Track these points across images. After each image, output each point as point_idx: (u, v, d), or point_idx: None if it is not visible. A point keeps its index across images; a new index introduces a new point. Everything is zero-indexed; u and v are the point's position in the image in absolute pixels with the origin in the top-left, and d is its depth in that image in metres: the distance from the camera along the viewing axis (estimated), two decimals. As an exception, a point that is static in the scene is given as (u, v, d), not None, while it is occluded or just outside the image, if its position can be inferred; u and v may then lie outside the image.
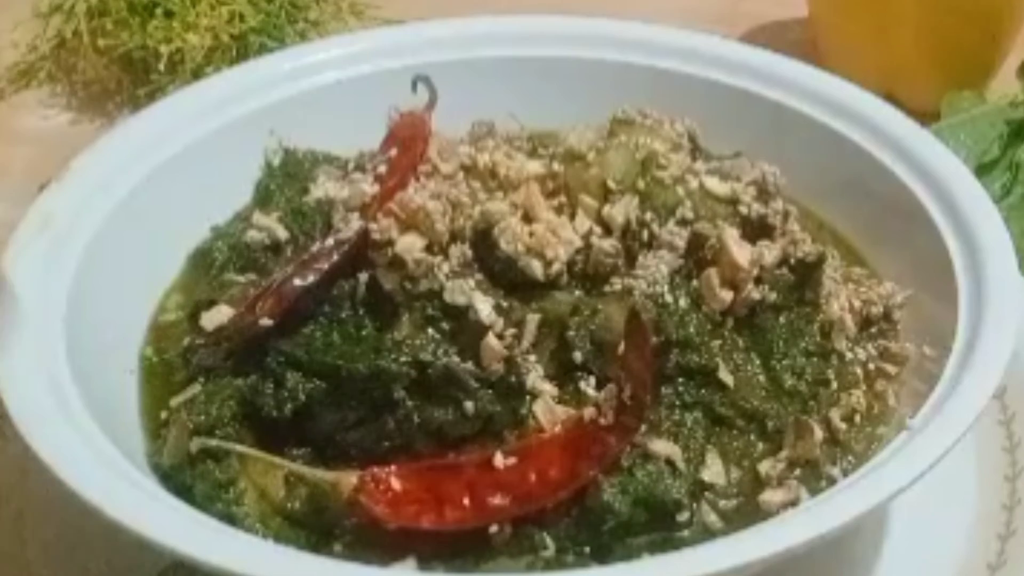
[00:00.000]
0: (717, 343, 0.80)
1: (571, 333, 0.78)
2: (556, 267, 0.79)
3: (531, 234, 0.81)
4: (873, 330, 0.87)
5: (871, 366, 0.84)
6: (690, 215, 0.82)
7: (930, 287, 0.86)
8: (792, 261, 0.83)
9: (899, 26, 0.93)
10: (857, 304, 0.87)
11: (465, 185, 0.84)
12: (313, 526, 0.76)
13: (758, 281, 0.82)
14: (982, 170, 0.93)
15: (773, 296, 0.82)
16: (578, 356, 0.78)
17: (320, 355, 0.78)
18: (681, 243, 0.81)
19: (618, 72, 1.01)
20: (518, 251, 0.79)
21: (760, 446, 0.79)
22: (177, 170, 0.96)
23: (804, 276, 0.84)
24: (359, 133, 0.95)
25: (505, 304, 0.79)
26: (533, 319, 0.79)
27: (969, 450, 0.86)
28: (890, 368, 0.84)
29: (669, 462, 0.76)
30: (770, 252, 0.82)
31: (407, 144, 0.87)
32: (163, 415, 0.80)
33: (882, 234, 0.92)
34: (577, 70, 1.02)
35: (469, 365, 0.78)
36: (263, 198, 0.96)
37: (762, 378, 0.82)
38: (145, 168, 0.94)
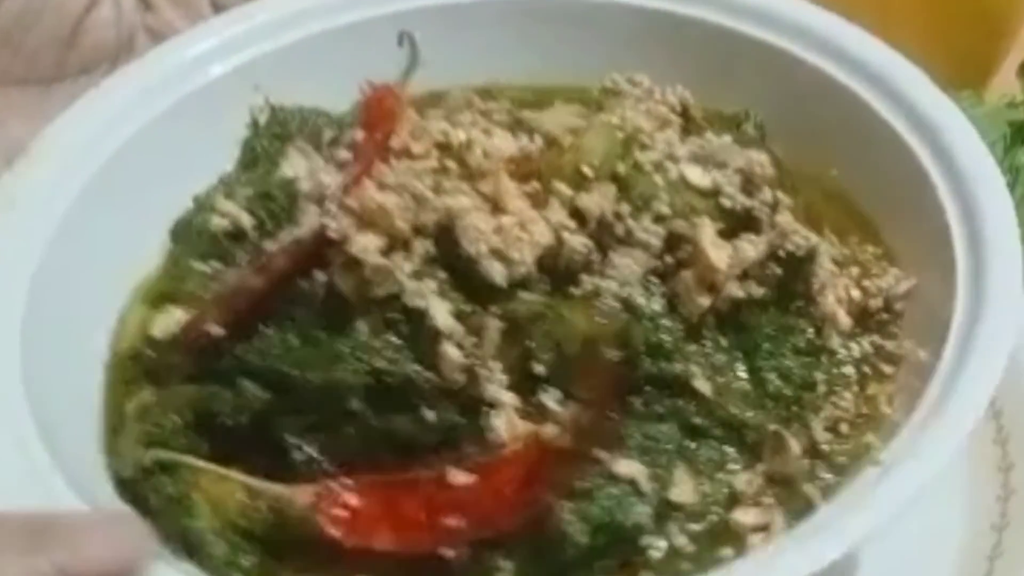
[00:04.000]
0: (693, 348, 0.76)
1: (532, 343, 0.74)
2: (521, 269, 0.75)
3: (497, 230, 0.76)
4: (871, 323, 0.81)
5: (865, 367, 0.79)
6: (666, 210, 0.76)
7: (931, 276, 0.79)
8: (781, 254, 0.78)
9: (899, 26, 0.87)
10: (856, 295, 0.81)
11: (433, 172, 0.79)
12: (269, 542, 0.74)
13: (744, 277, 0.77)
14: None
15: (760, 292, 0.77)
16: (540, 368, 0.73)
17: (275, 362, 0.75)
18: (656, 242, 0.76)
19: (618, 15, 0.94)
20: (480, 252, 0.75)
21: (738, 458, 0.75)
22: (156, 138, 0.92)
23: (793, 270, 0.78)
24: (350, 85, 0.90)
25: (466, 309, 0.75)
26: (495, 326, 0.74)
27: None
28: (886, 368, 0.79)
29: (633, 484, 0.72)
30: (755, 248, 0.77)
31: (373, 125, 0.82)
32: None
33: (890, 206, 0.86)
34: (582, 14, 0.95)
35: (430, 373, 0.74)
36: (249, 160, 0.92)
37: (745, 383, 0.77)
38: (119, 139, 0.90)
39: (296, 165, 0.84)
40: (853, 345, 0.80)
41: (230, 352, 0.76)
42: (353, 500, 0.72)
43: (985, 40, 0.97)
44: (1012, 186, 0.89)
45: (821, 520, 0.68)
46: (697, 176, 0.78)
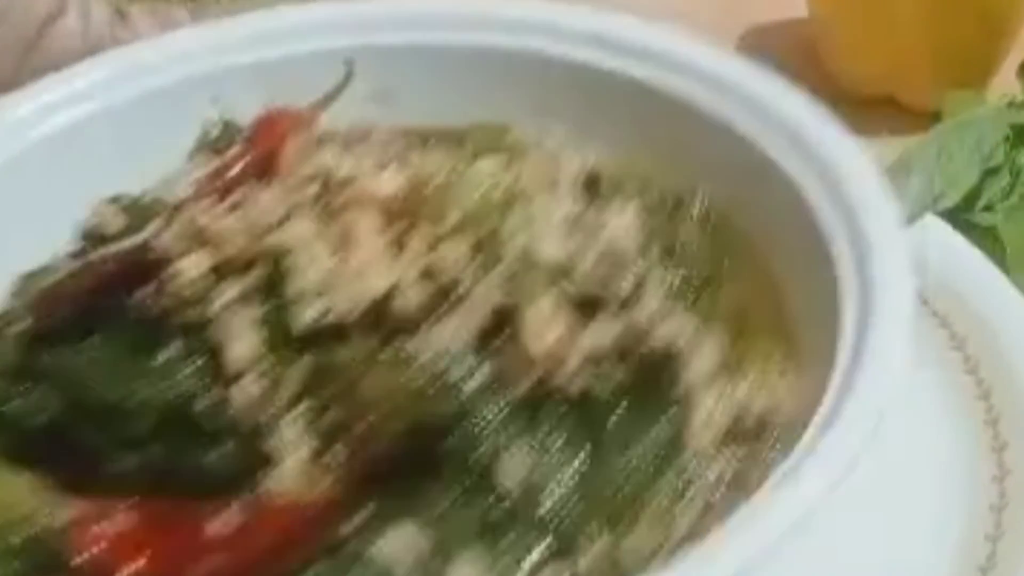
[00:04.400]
0: (510, 432, 0.67)
1: (329, 397, 0.67)
2: (332, 317, 0.68)
3: (332, 271, 0.70)
4: (741, 444, 0.71)
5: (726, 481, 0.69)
6: (503, 274, 0.69)
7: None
8: (643, 349, 0.69)
9: (899, 25, 0.92)
10: (737, 401, 0.71)
11: (299, 201, 0.74)
12: (30, 557, 0.70)
13: (596, 364, 0.68)
14: (988, 175, 0.89)
15: (609, 387, 0.68)
16: (329, 426, 0.67)
17: (77, 373, 0.71)
18: (486, 309, 0.68)
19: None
20: (297, 290, 0.69)
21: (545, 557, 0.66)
22: (105, 128, 0.90)
23: (651, 369, 0.69)
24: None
25: (272, 349, 0.69)
26: (296, 373, 0.68)
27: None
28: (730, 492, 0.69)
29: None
30: (599, 336, 0.68)
31: (253, 143, 0.77)
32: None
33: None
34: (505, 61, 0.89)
35: (223, 412, 0.68)
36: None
37: (572, 483, 0.68)
38: (56, 125, 0.89)
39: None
40: (721, 455, 0.70)
41: (42, 352, 0.72)
42: (113, 527, 0.67)
43: (985, 40, 0.96)
44: (1011, 187, 0.88)
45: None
46: (552, 243, 0.69)
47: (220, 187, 0.75)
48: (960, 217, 0.71)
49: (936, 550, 0.73)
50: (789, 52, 0.95)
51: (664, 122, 0.84)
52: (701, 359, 0.70)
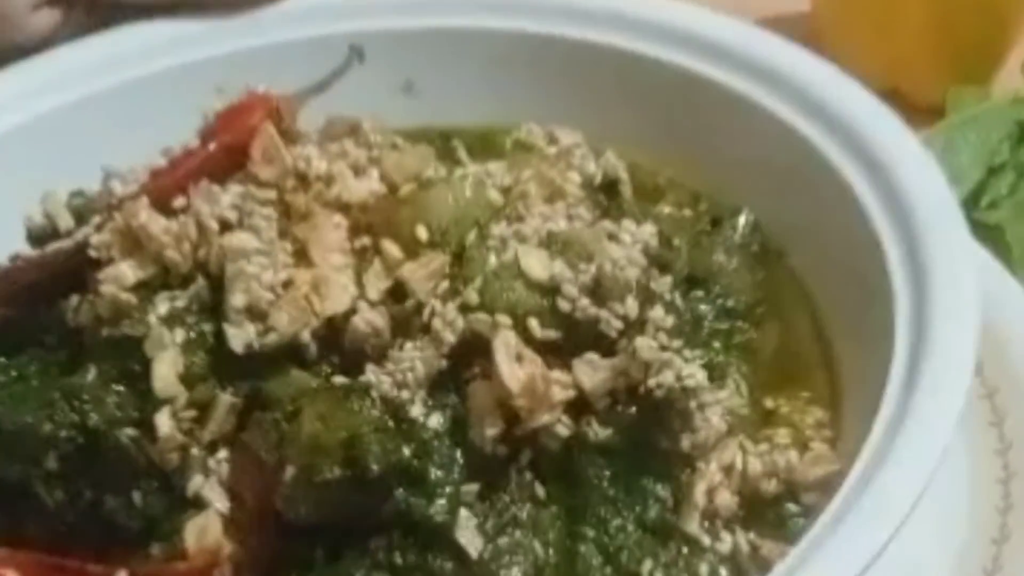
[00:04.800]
0: (473, 488, 0.56)
1: (264, 435, 0.57)
2: (271, 340, 0.58)
3: (282, 286, 0.60)
4: (759, 510, 0.58)
5: (723, 571, 0.57)
6: (474, 299, 0.57)
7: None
8: (641, 390, 0.57)
9: (904, 19, 0.90)
10: (754, 467, 0.59)
11: (262, 203, 0.64)
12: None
13: (582, 411, 0.57)
14: (993, 172, 0.88)
15: (603, 435, 0.57)
16: (252, 469, 0.56)
17: (-6, 391, 0.62)
18: (450, 338, 0.57)
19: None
20: (234, 306, 0.59)
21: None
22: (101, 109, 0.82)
23: (652, 416, 0.57)
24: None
25: (205, 374, 0.59)
26: (225, 402, 0.58)
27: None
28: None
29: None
30: (592, 375, 0.56)
31: (215, 135, 0.67)
32: None
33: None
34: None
35: (145, 445, 0.59)
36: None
37: (545, 550, 0.56)
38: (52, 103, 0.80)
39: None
40: (725, 536, 0.57)
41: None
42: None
43: (990, 36, 0.95)
44: (1016, 184, 0.86)
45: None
46: (534, 264, 0.58)
47: (170, 184, 0.65)
48: (965, 214, 0.63)
49: (941, 553, 0.63)
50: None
51: (704, 113, 0.73)
52: (714, 410, 0.58)
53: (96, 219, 0.64)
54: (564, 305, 0.57)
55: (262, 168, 0.66)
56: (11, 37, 0.83)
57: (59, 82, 0.81)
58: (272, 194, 0.64)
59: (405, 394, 0.56)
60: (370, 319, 0.58)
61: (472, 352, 0.57)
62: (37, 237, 0.69)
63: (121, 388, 0.60)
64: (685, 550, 0.57)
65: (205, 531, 0.56)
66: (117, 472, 0.59)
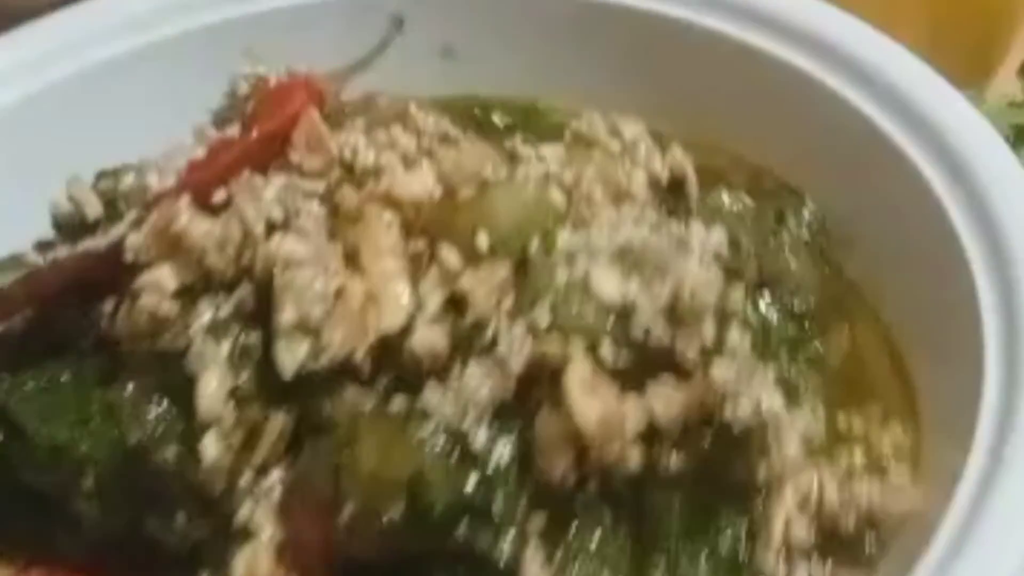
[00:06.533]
0: (539, 523, 0.53)
1: (317, 462, 0.54)
2: (324, 360, 0.54)
3: (334, 296, 0.56)
4: (837, 543, 0.56)
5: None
6: (544, 320, 0.54)
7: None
8: (715, 423, 0.53)
9: (900, 22, 0.83)
10: (831, 498, 0.56)
11: (309, 198, 0.60)
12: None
13: (653, 440, 0.54)
14: None
15: (674, 467, 0.54)
16: (303, 497, 0.53)
17: (11, 401, 0.58)
18: (519, 362, 0.53)
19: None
20: (283, 322, 0.55)
21: None
22: (116, 79, 0.77)
23: (728, 448, 0.54)
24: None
25: (251, 394, 0.55)
26: (276, 423, 0.55)
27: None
28: (829, 618, 0.54)
29: None
30: (666, 404, 0.53)
31: (258, 122, 0.63)
32: None
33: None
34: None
35: (188, 467, 0.55)
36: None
37: (618, 586, 0.54)
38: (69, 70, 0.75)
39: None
40: (800, 567, 0.55)
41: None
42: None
43: (986, 40, 0.95)
44: None
45: None
46: (607, 285, 0.54)
47: (209, 177, 0.60)
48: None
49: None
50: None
51: (772, 94, 0.69)
52: (790, 437, 0.55)
53: (131, 215, 0.60)
54: (638, 332, 0.53)
55: (306, 158, 0.62)
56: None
57: (68, 49, 0.76)
58: (319, 186, 0.61)
59: (468, 422, 0.53)
60: (429, 339, 0.55)
61: (537, 376, 0.53)
62: (64, 225, 0.65)
63: (162, 403, 0.56)
64: (765, 585, 0.54)
65: (255, 562, 0.53)
66: (158, 492, 0.56)
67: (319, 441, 0.54)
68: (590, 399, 0.51)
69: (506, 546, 0.52)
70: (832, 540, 0.55)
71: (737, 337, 0.54)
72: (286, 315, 0.55)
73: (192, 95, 0.73)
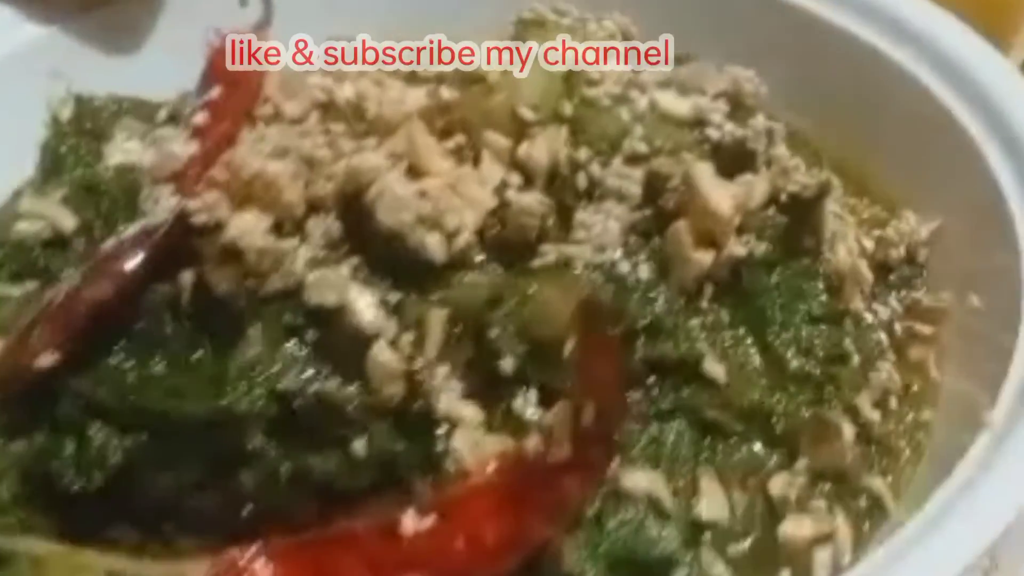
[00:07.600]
0: (696, 322, 0.58)
1: (494, 332, 0.55)
2: (462, 240, 0.56)
3: (422, 194, 0.57)
4: (894, 278, 0.65)
5: (898, 327, 0.63)
6: (642, 148, 0.59)
7: (966, 215, 0.64)
8: (783, 198, 0.61)
9: None
10: (869, 245, 0.65)
11: (322, 132, 0.60)
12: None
13: (740, 231, 0.60)
14: None
15: (762, 248, 0.60)
16: (508, 364, 0.54)
17: (135, 396, 0.55)
18: (635, 189, 0.58)
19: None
20: (403, 222, 0.55)
21: (769, 456, 0.57)
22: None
23: (800, 217, 0.61)
24: (177, 69, 0.69)
25: (396, 298, 0.55)
26: (438, 316, 0.55)
27: None
28: (924, 328, 0.63)
29: (651, 501, 0.53)
30: (757, 188, 0.59)
31: (234, 80, 0.63)
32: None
33: (895, 153, 0.70)
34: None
35: (354, 389, 0.54)
36: (53, 167, 0.70)
37: (758, 361, 0.59)
38: None
39: (127, 147, 0.64)
40: (878, 306, 0.63)
41: (69, 389, 0.55)
42: (268, 570, 0.51)
43: (990, 36, 0.83)
44: None
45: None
46: (673, 103, 0.60)
47: (225, 132, 0.59)
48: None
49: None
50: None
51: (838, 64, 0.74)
52: (834, 200, 0.63)
53: (169, 189, 0.58)
54: (714, 133, 0.60)
55: (286, 104, 0.63)
56: None
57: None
58: (312, 126, 0.61)
59: (608, 254, 0.57)
60: (535, 197, 0.58)
61: (653, 197, 0.58)
62: (43, 245, 0.62)
63: (293, 346, 0.55)
64: (859, 327, 0.62)
65: (477, 442, 0.53)
66: (328, 429, 0.54)
67: (489, 314, 0.55)
68: (720, 189, 0.57)
69: (683, 348, 0.56)
70: (888, 274, 0.64)
71: (781, 126, 0.62)
72: (400, 216, 0.55)
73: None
